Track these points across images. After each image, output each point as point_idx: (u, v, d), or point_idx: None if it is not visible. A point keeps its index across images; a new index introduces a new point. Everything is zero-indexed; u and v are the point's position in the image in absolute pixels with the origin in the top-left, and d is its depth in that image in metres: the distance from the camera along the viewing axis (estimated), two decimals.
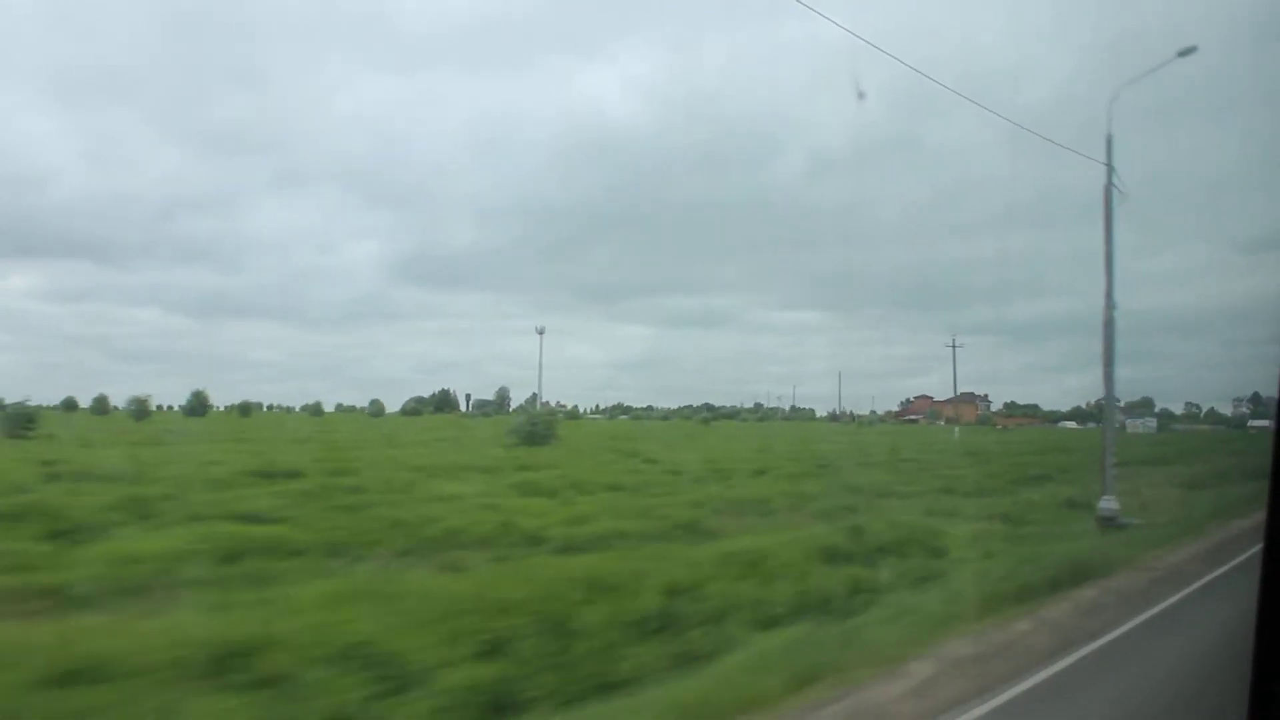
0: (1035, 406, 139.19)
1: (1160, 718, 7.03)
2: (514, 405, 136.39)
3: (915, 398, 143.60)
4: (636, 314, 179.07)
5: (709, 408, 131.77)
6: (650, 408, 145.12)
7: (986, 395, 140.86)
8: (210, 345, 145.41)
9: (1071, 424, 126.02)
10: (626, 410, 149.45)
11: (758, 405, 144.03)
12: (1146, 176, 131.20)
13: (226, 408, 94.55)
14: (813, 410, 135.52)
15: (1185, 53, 20.03)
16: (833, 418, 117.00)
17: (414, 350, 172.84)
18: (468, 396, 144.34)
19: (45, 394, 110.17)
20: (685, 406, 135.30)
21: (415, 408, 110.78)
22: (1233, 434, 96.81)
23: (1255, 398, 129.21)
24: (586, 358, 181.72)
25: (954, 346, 77.59)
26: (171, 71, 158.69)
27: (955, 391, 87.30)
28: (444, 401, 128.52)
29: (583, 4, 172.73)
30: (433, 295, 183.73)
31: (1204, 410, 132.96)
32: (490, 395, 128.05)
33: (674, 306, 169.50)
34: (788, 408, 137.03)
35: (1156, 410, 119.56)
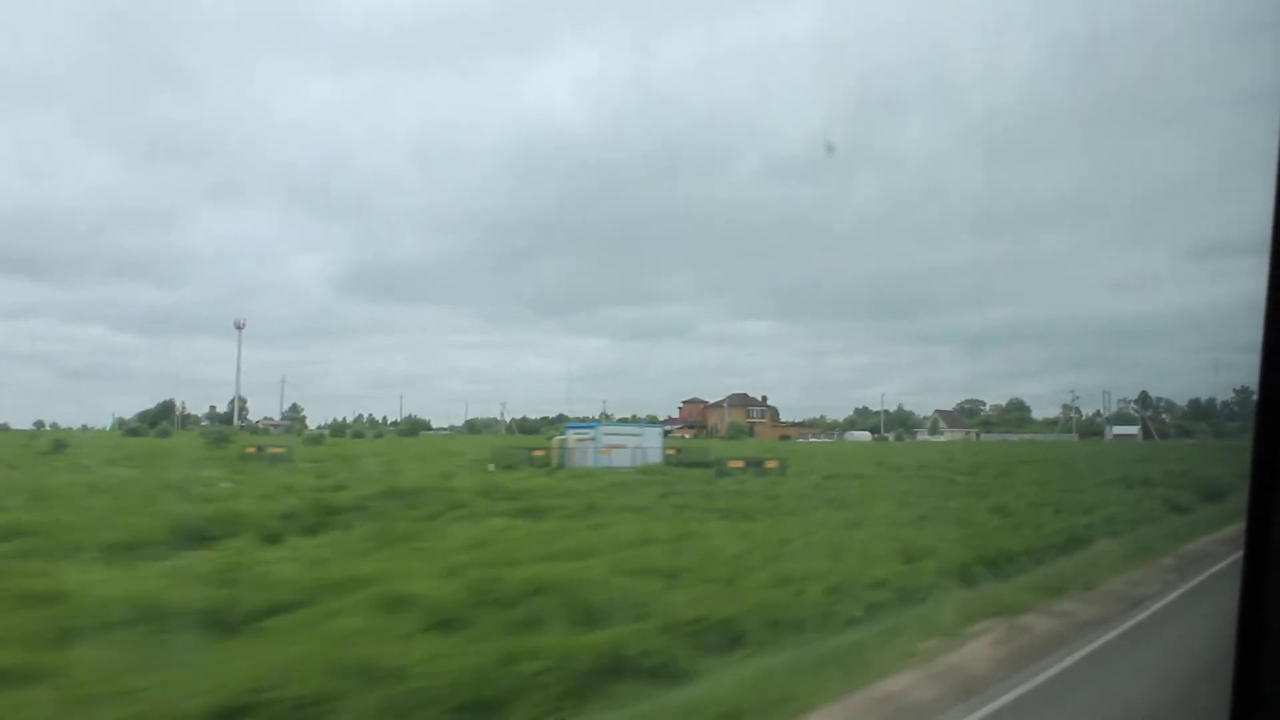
0: (885, 412, 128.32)
1: None
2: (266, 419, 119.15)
3: (684, 401, 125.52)
4: (592, 326, 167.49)
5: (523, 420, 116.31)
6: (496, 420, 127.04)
7: (765, 398, 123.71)
8: (159, 363, 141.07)
9: (865, 435, 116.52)
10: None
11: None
12: (1105, 179, 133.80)
13: None
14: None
15: None
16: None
17: (366, 366, 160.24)
18: (212, 408, 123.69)
19: None
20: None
21: (136, 426, 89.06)
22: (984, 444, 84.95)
23: (1143, 398, 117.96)
24: (544, 371, 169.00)
25: None
26: (97, 74, 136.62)
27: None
28: (167, 414, 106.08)
29: (528, 3, 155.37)
30: (383, 309, 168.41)
31: (1084, 414, 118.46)
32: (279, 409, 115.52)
33: (629, 318, 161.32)
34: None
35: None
